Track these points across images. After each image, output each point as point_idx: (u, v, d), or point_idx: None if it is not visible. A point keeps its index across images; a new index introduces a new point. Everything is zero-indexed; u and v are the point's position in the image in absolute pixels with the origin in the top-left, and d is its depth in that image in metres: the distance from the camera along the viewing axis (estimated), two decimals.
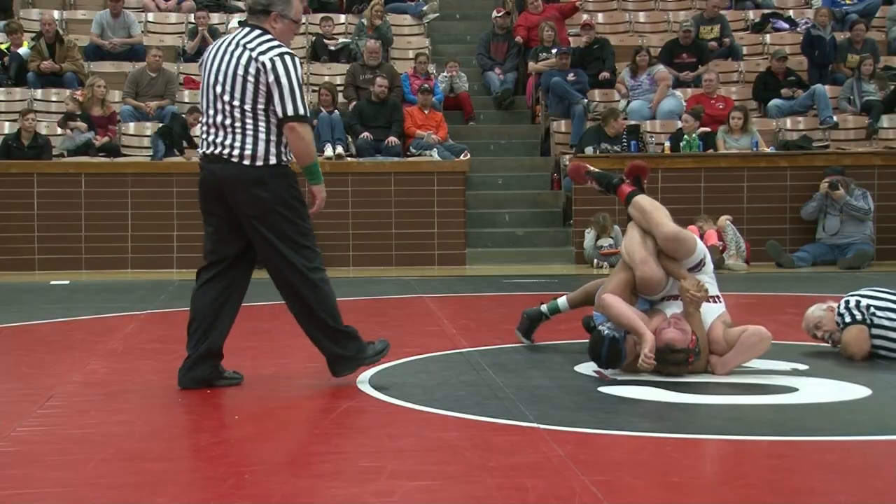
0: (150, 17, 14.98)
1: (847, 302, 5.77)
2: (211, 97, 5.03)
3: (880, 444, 4.06)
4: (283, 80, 4.90)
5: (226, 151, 4.99)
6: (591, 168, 6.03)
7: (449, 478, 3.64)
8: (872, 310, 5.68)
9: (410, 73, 13.76)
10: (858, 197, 11.77)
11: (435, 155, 12.57)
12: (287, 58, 4.94)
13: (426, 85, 13.13)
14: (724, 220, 11.49)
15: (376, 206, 11.98)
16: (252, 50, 4.95)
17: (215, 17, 14.74)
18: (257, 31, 5.04)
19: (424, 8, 15.48)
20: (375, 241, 12.09)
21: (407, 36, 15.14)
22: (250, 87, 4.93)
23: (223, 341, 5.23)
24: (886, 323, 5.64)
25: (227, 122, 4.98)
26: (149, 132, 12.96)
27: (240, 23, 5.34)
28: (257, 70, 4.91)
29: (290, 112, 4.92)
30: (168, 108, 13.10)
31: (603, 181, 5.87)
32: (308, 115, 5.02)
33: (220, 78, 4.98)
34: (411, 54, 14.43)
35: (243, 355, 6.17)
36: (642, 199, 5.59)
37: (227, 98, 4.97)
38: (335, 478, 3.67)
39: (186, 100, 13.26)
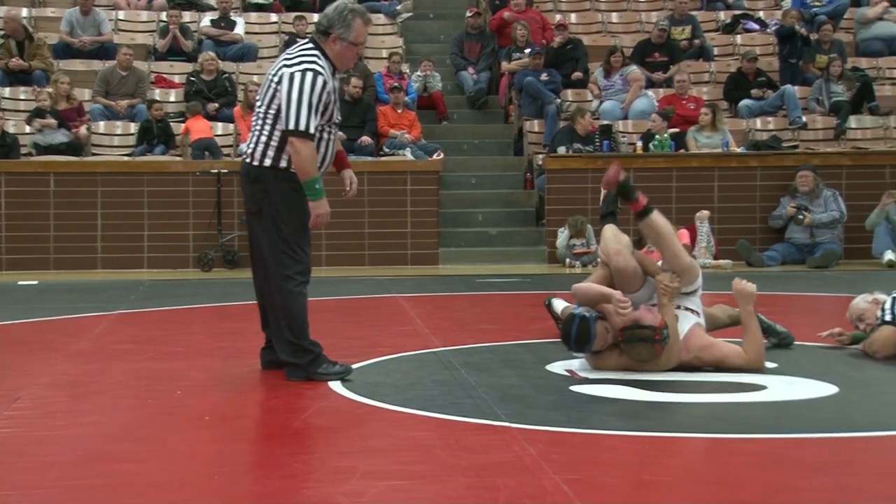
0: (121, 15, 14.85)
1: (894, 301, 5.72)
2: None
3: (848, 441, 4.10)
4: (294, 94, 5.09)
5: (244, 150, 5.39)
6: (627, 179, 5.76)
7: (421, 477, 3.64)
8: None
9: (384, 72, 13.75)
10: (829, 199, 11.84)
11: (408, 154, 12.57)
12: (308, 74, 5.11)
13: (396, 84, 13.12)
14: (704, 214, 11.55)
15: (349, 205, 11.91)
16: (287, 60, 5.22)
17: (187, 16, 14.65)
18: (308, 46, 5.28)
19: (398, 7, 15.47)
20: (348, 241, 12.07)
21: (380, 35, 15.11)
22: (270, 92, 5.21)
23: None
24: None
25: (253, 122, 5.32)
26: (119, 131, 12.88)
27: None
28: (279, 79, 5.16)
29: (290, 126, 5.11)
30: (139, 106, 13.02)
31: (627, 194, 5.66)
32: (310, 130, 5.10)
33: (263, 83, 5.32)
34: (385, 54, 14.41)
35: (215, 355, 6.15)
36: (659, 220, 5.52)
37: (258, 101, 5.31)
38: (307, 478, 3.66)
39: (158, 98, 13.18)
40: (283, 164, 5.17)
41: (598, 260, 5.73)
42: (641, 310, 5.27)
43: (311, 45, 5.25)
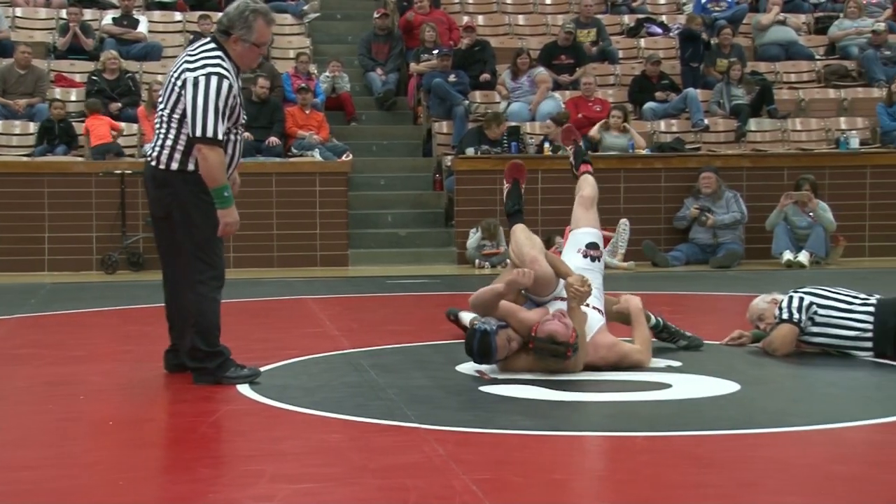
0: (18, 11, 14.47)
1: (791, 299, 5.87)
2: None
3: (748, 438, 4.20)
4: (199, 100, 4.98)
5: (148, 152, 5.24)
6: (580, 142, 6.52)
7: (330, 480, 3.63)
8: (815, 308, 5.80)
9: (291, 72, 13.66)
10: (730, 200, 12.12)
11: (317, 155, 12.50)
12: (213, 79, 5.00)
13: (304, 85, 13.04)
14: (626, 221, 11.75)
15: (257, 206, 11.85)
16: (189, 62, 5.09)
17: (88, 13, 14.34)
18: (210, 46, 5.14)
19: (305, 7, 15.38)
20: (257, 242, 11.95)
21: (287, 35, 15.01)
22: (174, 95, 5.08)
23: None
24: (827, 321, 5.80)
25: (157, 125, 5.19)
26: (18, 131, 12.56)
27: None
28: (183, 82, 5.04)
29: (198, 133, 5.00)
30: (38, 105, 12.71)
31: (577, 156, 6.39)
32: (219, 137, 5.01)
33: (164, 87, 5.21)
34: (292, 54, 14.31)
35: (119, 359, 6.05)
36: (592, 183, 6.25)
37: (161, 105, 5.19)
38: (214, 482, 3.62)
39: (58, 97, 12.87)
40: (191, 167, 5.08)
41: (507, 261, 5.76)
42: (554, 321, 5.25)
43: (212, 46, 5.12)
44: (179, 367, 5.36)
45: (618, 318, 5.89)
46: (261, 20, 5.13)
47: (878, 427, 4.36)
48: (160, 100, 5.24)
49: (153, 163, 5.16)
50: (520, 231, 5.67)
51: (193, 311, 5.13)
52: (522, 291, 5.53)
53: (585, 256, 5.73)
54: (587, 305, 5.48)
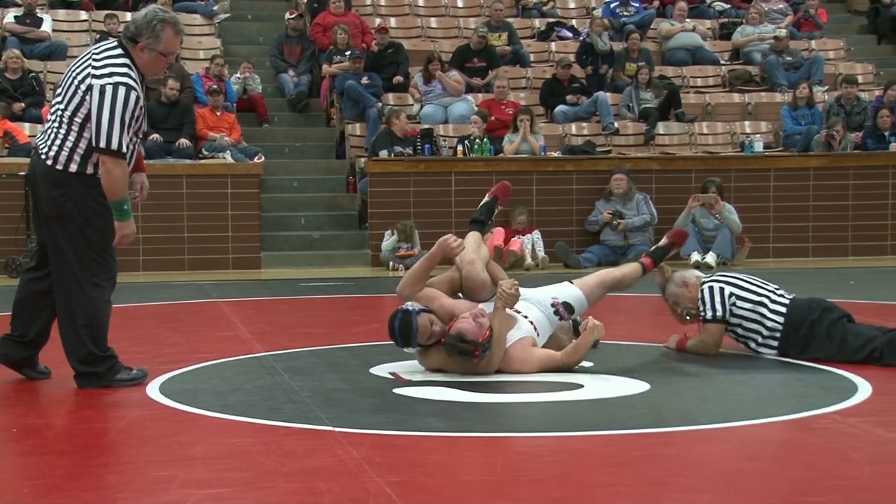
0: None
1: (711, 288, 5.91)
2: (53, 99, 5.14)
3: (658, 436, 4.27)
4: (106, 111, 4.89)
5: (42, 148, 5.05)
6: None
7: (242, 484, 3.60)
8: (734, 299, 5.89)
9: (202, 73, 13.49)
10: (640, 203, 12.32)
11: (228, 157, 12.37)
12: (121, 89, 4.90)
13: (214, 86, 12.89)
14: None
15: (168, 209, 11.69)
16: (95, 67, 4.95)
17: None
18: (116, 50, 5.02)
19: (215, 8, 15.20)
20: (167, 245, 11.78)
21: (197, 36, 14.82)
22: (77, 98, 4.96)
23: (47, 332, 5.26)
24: (741, 313, 5.88)
25: (53, 121, 5.04)
26: None
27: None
28: (88, 88, 4.92)
29: (102, 144, 4.92)
30: None
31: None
32: (123, 150, 4.93)
33: (63, 81, 5.06)
34: (202, 55, 14.14)
35: None
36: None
37: (58, 100, 5.04)
38: (123, 489, 3.57)
39: None
40: (90, 170, 4.99)
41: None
42: (466, 320, 5.26)
43: (119, 51, 5.02)
44: (8, 360, 5.27)
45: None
46: (169, 30, 5.05)
47: (783, 424, 4.48)
48: (57, 94, 5.08)
49: (49, 161, 5.01)
50: (471, 237, 5.75)
51: (86, 314, 5.04)
52: (460, 294, 5.57)
53: (553, 307, 5.68)
54: (518, 312, 5.48)
